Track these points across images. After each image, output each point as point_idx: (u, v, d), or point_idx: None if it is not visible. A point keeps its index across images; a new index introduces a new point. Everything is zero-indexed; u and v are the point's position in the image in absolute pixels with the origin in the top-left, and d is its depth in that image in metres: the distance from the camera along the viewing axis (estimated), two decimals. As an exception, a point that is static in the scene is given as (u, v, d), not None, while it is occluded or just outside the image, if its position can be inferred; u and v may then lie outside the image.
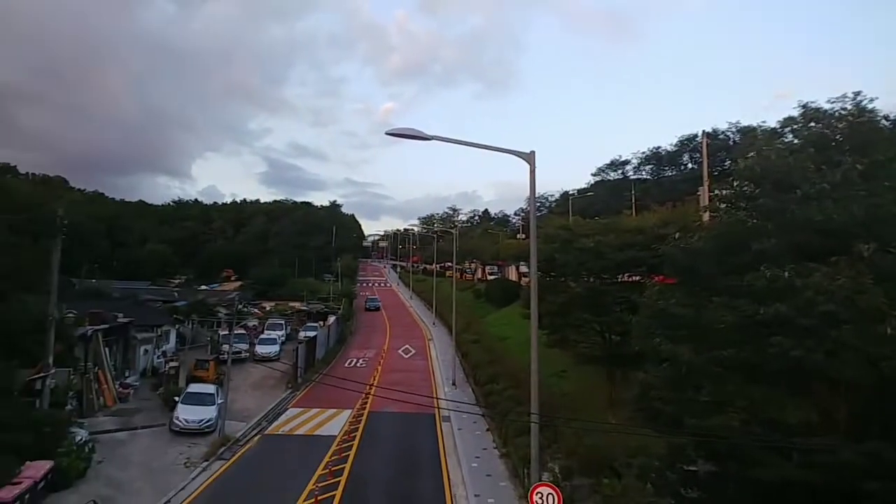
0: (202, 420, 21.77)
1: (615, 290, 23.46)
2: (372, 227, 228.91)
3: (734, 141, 72.92)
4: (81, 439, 17.75)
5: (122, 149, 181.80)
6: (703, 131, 43.71)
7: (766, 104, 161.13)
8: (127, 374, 28.81)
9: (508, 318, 46.47)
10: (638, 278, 23.99)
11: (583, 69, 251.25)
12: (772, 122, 17.68)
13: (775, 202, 12.11)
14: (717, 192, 20.66)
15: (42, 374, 19.34)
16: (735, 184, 14.58)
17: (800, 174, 11.88)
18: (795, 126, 14.42)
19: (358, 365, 38.09)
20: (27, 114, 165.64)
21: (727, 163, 67.78)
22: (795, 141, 14.21)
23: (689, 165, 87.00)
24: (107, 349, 26.03)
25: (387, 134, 10.19)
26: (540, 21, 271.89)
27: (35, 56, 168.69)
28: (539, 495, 10.34)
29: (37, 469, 14.76)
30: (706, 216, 19.28)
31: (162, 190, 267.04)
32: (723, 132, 74.98)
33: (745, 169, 13.70)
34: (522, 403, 20.43)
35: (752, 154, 14.83)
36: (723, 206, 14.95)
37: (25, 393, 19.16)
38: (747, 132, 68.15)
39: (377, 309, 65.77)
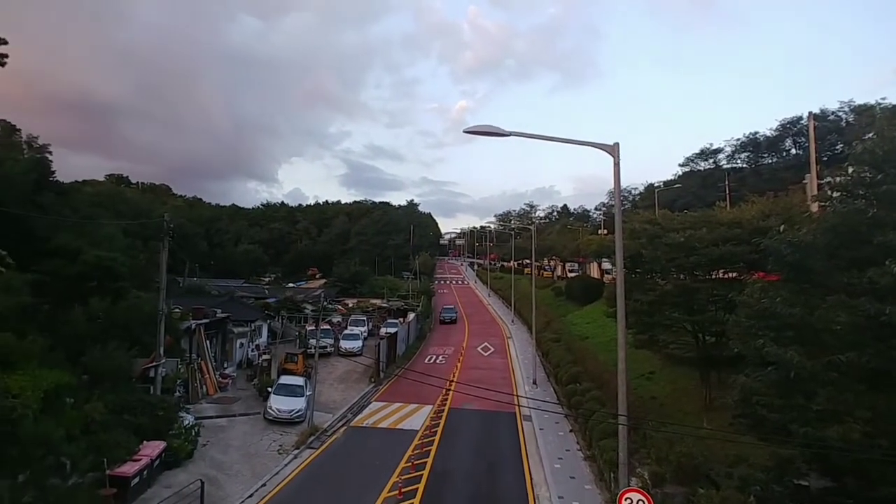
0: (293, 410, 22.98)
1: (709, 287, 21.89)
2: (448, 226, 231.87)
3: (847, 122, 65.93)
4: (189, 423, 19.36)
5: (216, 157, 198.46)
6: (810, 112, 39.72)
7: (883, 80, 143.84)
8: (225, 365, 31.11)
9: (590, 316, 45.04)
10: (735, 275, 22.23)
11: (668, 54, 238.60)
12: (893, 100, 15.71)
13: (902, 189, 10.71)
14: (828, 179, 18.69)
15: (155, 364, 21.32)
16: (851, 169, 13.06)
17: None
18: (924, 102, 12.66)
19: (437, 362, 38.55)
20: (136, 129, 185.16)
21: (839, 147, 61.40)
22: (924, 119, 12.50)
23: (793, 151, 79.74)
24: (208, 342, 28.23)
25: (465, 132, 10.10)
26: (620, 5, 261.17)
27: (140, 77, 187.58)
28: (628, 501, 9.80)
29: (153, 448, 16.26)
30: (815, 206, 17.47)
31: (252, 194, 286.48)
32: (832, 113, 68.01)
33: (864, 152, 12.23)
34: (606, 405, 19.68)
35: (871, 135, 13.25)
36: (836, 194, 13.43)
37: (141, 380, 21.26)
38: (863, 111, 61.62)
39: (453, 321, 55.85)
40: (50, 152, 30.61)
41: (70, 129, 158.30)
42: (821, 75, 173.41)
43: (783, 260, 12.56)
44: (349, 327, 44.54)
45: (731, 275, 22.66)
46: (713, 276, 22.85)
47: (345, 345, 38.52)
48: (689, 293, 21.82)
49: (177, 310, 27.53)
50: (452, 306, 61.60)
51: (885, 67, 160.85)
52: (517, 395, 26.14)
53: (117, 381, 18.98)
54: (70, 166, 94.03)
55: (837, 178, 14.35)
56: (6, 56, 23.97)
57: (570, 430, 22.11)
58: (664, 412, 22.54)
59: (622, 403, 10.92)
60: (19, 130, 32.39)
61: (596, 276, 64.30)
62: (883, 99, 61.05)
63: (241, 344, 34.01)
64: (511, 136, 10.24)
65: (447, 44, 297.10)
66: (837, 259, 12.12)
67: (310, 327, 40.95)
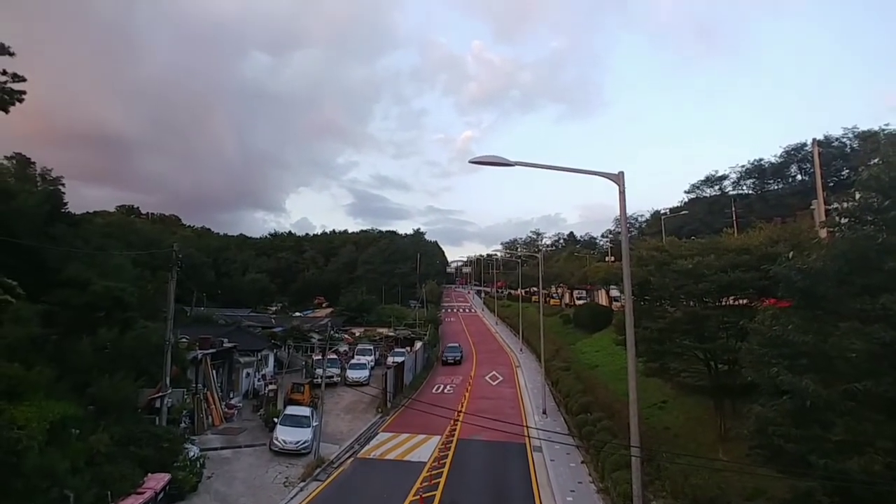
0: (299, 441, 22.66)
1: (719, 314, 21.63)
2: (455, 254, 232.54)
3: (851, 147, 66.08)
4: (194, 455, 19.13)
5: (226, 187, 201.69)
6: (814, 139, 39.81)
7: (887, 106, 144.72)
8: (231, 395, 30.87)
9: (599, 344, 44.51)
10: (745, 302, 21.99)
11: (671, 84, 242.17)
12: (896, 125, 15.78)
13: (910, 215, 10.65)
14: (835, 205, 18.65)
15: (161, 394, 21.21)
16: (858, 195, 13.02)
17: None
18: (928, 128, 12.73)
19: (445, 391, 38.05)
20: (148, 161, 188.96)
21: (844, 172, 61.41)
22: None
23: (798, 177, 79.76)
24: (214, 372, 28.09)
25: (470, 162, 10.22)
26: (623, 39, 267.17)
27: (153, 110, 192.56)
28: (644, 538, 9.50)
29: (157, 481, 16.03)
30: (823, 232, 17.39)
31: (260, 224, 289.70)
32: (836, 139, 68.23)
33: (871, 178, 12.21)
34: (618, 435, 19.24)
35: (876, 160, 13.26)
36: (844, 220, 13.36)
37: (147, 410, 21.12)
38: (867, 137, 61.76)
39: (457, 362, 48.99)
40: (63, 184, 31.28)
41: (83, 162, 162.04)
42: (823, 102, 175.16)
43: (794, 286, 12.43)
44: (356, 356, 44.21)
45: (741, 301, 22.41)
46: (723, 303, 22.60)
47: (351, 374, 38.18)
48: (700, 320, 21.55)
49: (184, 340, 27.51)
50: (457, 344, 53.17)
51: (887, 94, 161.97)
52: (527, 427, 25.65)
53: (123, 411, 18.88)
54: (82, 197, 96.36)
55: (845, 204, 14.31)
56: (24, 93, 24.75)
57: (582, 462, 21.59)
58: (678, 443, 22.00)
59: (634, 434, 10.70)
60: (34, 164, 33.21)
61: (604, 303, 63.78)
62: (886, 125, 61.19)
63: (248, 374, 33.80)
64: (515, 166, 10.36)
65: (452, 76, 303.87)
66: (848, 285, 11.98)
67: (316, 357, 40.69)
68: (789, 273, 12.36)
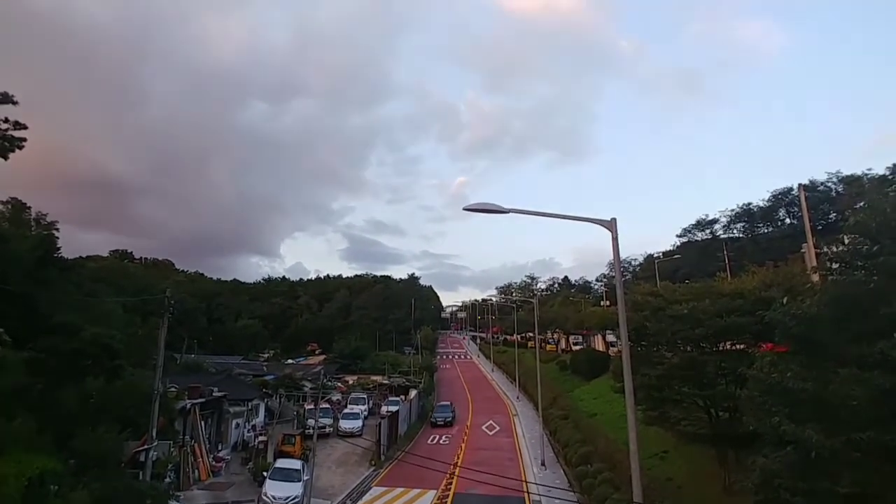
0: (289, 497, 21.73)
1: (717, 360, 21.40)
2: (450, 299, 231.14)
3: (836, 192, 67.63)
4: (178, 514, 18.28)
5: (221, 232, 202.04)
6: (800, 184, 40.68)
7: (867, 150, 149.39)
8: (220, 447, 29.82)
9: (598, 391, 43.73)
10: (742, 346, 21.82)
11: (659, 129, 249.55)
12: (878, 169, 16.26)
13: (900, 259, 10.76)
14: (825, 249, 18.85)
15: (146, 447, 20.45)
16: (847, 241, 13.20)
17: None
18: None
19: (441, 442, 36.97)
20: (143, 205, 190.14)
21: (832, 215, 62.53)
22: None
23: (787, 221, 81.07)
24: (202, 422, 27.25)
25: (464, 210, 10.30)
26: (610, 87, 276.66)
27: (150, 156, 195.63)
28: None
29: (137, 543, 15.24)
30: (816, 277, 17.47)
31: (254, 268, 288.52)
32: (822, 183, 69.98)
33: (858, 224, 12.39)
34: (620, 488, 18.63)
35: (861, 203, 13.53)
36: (835, 265, 13.47)
37: (131, 464, 20.30)
38: (851, 181, 63.40)
39: (449, 424, 42.54)
40: (57, 229, 31.24)
41: (80, 206, 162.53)
42: (809, 146, 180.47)
43: (789, 332, 12.37)
44: (349, 406, 43.17)
45: (738, 346, 22.23)
46: (720, 348, 22.40)
47: (344, 425, 37.14)
48: (698, 366, 21.29)
49: (172, 389, 26.85)
50: (448, 403, 46.98)
51: (869, 137, 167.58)
52: (525, 481, 24.80)
53: (106, 466, 18.13)
54: (77, 242, 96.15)
55: (835, 249, 14.47)
56: (24, 140, 25.11)
57: (583, 517, 20.78)
58: (682, 495, 21.28)
59: (637, 487, 10.33)
60: (29, 208, 33.31)
61: (601, 348, 63.19)
62: (869, 169, 63.15)
63: (237, 424, 32.82)
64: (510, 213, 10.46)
65: (446, 124, 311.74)
66: (844, 331, 11.92)
67: (308, 406, 39.70)
68: (784, 319, 12.32)
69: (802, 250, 29.11)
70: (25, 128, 24.90)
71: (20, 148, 24.88)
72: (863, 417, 10.50)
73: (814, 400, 11.39)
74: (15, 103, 24.51)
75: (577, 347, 69.95)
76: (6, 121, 24.44)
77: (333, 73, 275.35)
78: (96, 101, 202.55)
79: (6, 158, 24.57)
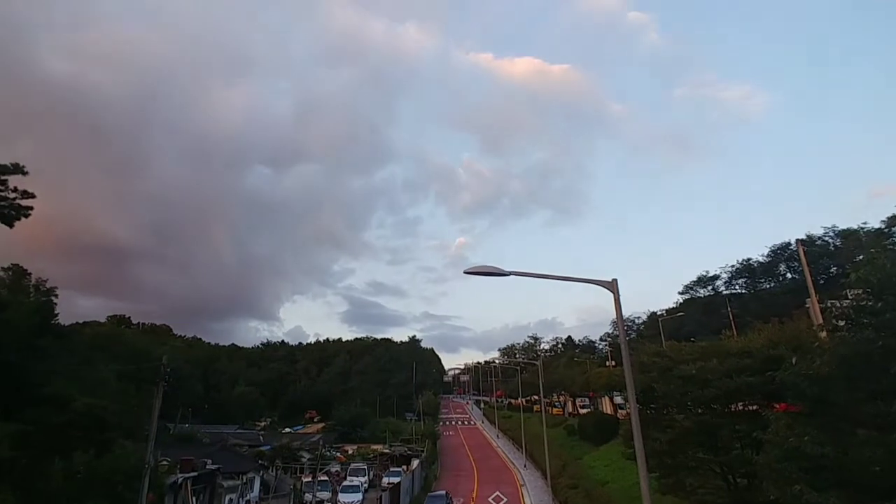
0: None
1: (730, 422, 20.61)
2: (452, 361, 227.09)
3: (834, 245, 68.00)
4: None
5: (220, 297, 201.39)
6: (798, 240, 41.08)
7: (861, 204, 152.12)
8: (211, 525, 28.25)
9: (608, 457, 41.93)
10: (755, 408, 21.09)
11: (654, 187, 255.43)
12: (873, 223, 16.40)
13: (906, 315, 10.62)
14: (829, 306, 18.67)
15: (133, 527, 19.35)
16: (851, 297, 13.10)
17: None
18: (904, 225, 13.18)
19: (445, 515, 34.95)
20: (144, 270, 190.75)
21: (832, 269, 62.50)
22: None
23: (788, 275, 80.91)
24: (194, 498, 25.94)
25: (465, 273, 10.32)
26: (604, 148, 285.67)
27: (153, 221, 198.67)
28: None
29: None
30: (823, 334, 17.19)
31: (252, 333, 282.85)
32: (819, 238, 70.42)
33: (859, 281, 12.35)
34: (637, 566, 17.38)
35: (861, 257, 13.52)
36: (842, 322, 13.28)
37: (116, 547, 19.11)
38: (848, 235, 63.81)
39: None
40: (56, 295, 31.07)
41: (79, 271, 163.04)
42: (804, 201, 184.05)
43: (802, 393, 12.02)
44: (349, 477, 41.28)
45: (751, 407, 21.49)
46: (732, 410, 21.65)
47: (343, 498, 35.35)
48: (711, 430, 20.48)
49: (164, 462, 25.80)
50: (443, 492, 37.96)
51: (862, 191, 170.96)
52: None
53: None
54: (75, 307, 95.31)
55: (839, 305, 14.33)
56: (31, 208, 25.54)
57: None
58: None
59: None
60: (29, 274, 33.35)
61: (609, 411, 61.22)
62: (864, 223, 63.69)
63: (230, 500, 31.23)
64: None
65: (445, 186, 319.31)
66: (858, 390, 11.58)
67: (306, 479, 37.95)
68: (796, 380, 12.00)
69: (806, 305, 28.84)
70: (33, 196, 25.37)
71: (27, 216, 25.23)
72: (886, 483, 9.98)
73: (834, 465, 10.88)
74: (25, 173, 25.14)
75: (585, 410, 67.80)
76: (15, 189, 24.98)
77: (334, 138, 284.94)
78: (100, 168, 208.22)
79: (11, 226, 24.88)
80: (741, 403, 21.56)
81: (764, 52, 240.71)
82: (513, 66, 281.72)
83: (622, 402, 56.33)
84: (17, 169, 24.99)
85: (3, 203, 24.53)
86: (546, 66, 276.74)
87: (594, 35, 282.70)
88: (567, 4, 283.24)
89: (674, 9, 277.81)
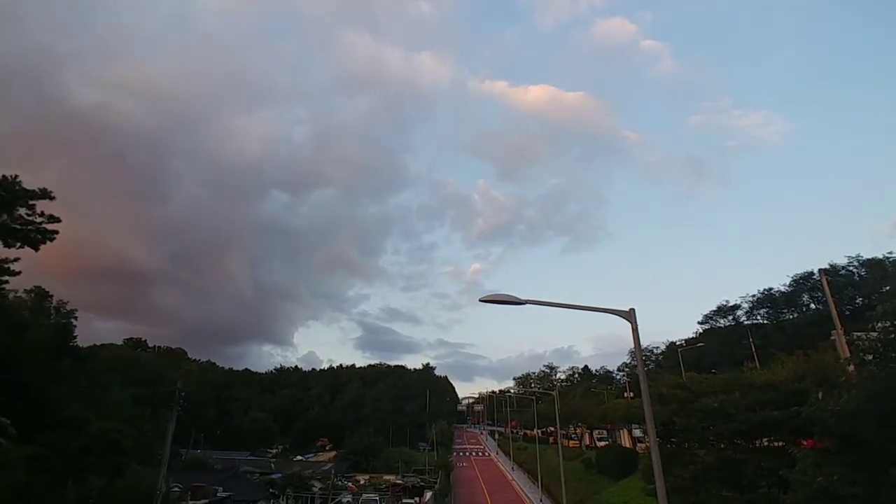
0: None
1: (754, 458, 19.86)
2: (466, 390, 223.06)
3: (859, 275, 66.33)
4: None
5: (235, 321, 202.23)
6: (821, 269, 39.96)
7: (887, 233, 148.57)
8: (221, 555, 27.74)
9: (628, 493, 40.57)
10: (780, 444, 20.32)
11: (670, 214, 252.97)
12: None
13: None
14: (856, 339, 18.10)
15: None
16: (878, 330, 12.71)
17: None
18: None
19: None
20: (161, 294, 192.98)
21: (858, 300, 60.75)
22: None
23: (812, 306, 78.79)
24: (205, 526, 25.62)
25: (481, 301, 10.26)
26: (619, 175, 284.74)
27: (172, 247, 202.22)
28: None
29: None
30: (851, 368, 16.65)
31: (266, 357, 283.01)
32: (843, 268, 68.74)
33: (886, 314, 12.03)
34: None
35: (887, 288, 13.16)
36: (869, 357, 12.88)
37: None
38: (873, 265, 62.23)
39: None
40: (76, 317, 31.73)
41: (98, 294, 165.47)
42: (826, 229, 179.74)
43: (830, 430, 11.57)
44: (360, 508, 40.46)
45: (776, 443, 20.72)
46: (757, 446, 20.89)
47: (354, 530, 34.57)
48: (735, 466, 19.76)
49: (176, 488, 25.60)
50: None
51: (887, 219, 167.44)
52: None
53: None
54: (93, 329, 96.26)
55: (867, 337, 13.91)
56: (57, 232, 26.24)
57: None
58: None
59: None
60: (51, 297, 34.10)
61: (627, 444, 59.52)
62: (889, 253, 62.29)
63: (240, 529, 30.74)
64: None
65: (460, 212, 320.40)
66: (889, 427, 11.12)
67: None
68: (824, 416, 11.57)
69: (832, 337, 27.97)
70: (59, 221, 26.13)
71: (52, 240, 25.96)
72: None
73: (867, 507, 10.38)
74: (52, 198, 25.95)
75: (602, 443, 65.99)
76: (41, 214, 25.76)
77: (350, 165, 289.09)
78: (122, 193, 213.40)
79: (37, 250, 25.56)
80: (766, 439, 20.83)
81: (780, 78, 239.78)
82: (527, 94, 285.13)
83: (641, 434, 54.80)
84: (45, 194, 25.82)
85: (30, 227, 25.28)
86: (561, 94, 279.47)
87: (608, 63, 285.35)
88: (581, 32, 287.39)
89: (687, 37, 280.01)
